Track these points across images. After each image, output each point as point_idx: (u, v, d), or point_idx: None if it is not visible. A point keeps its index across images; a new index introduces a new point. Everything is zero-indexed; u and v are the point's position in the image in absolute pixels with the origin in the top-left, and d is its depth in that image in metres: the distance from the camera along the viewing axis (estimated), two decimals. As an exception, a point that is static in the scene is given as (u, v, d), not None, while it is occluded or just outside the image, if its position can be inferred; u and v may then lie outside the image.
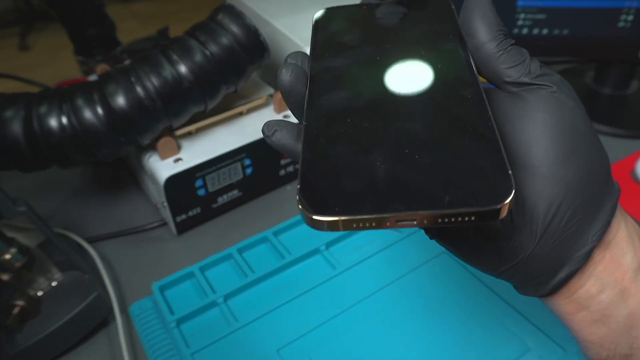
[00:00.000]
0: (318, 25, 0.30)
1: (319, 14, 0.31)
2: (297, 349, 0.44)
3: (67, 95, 0.50)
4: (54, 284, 0.47)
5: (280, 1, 0.68)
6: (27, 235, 0.48)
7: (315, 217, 0.19)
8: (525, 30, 0.70)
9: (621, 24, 0.67)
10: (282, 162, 0.61)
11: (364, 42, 0.28)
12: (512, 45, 0.26)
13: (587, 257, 0.23)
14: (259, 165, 0.59)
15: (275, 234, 0.55)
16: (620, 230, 0.25)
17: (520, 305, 0.46)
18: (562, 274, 0.24)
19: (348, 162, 0.21)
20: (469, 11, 0.27)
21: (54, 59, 2.23)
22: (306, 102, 0.25)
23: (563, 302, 0.25)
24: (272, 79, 0.67)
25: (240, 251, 0.53)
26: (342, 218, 0.19)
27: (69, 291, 0.47)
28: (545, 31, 0.70)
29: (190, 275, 0.51)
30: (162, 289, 0.50)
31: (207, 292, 0.49)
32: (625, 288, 0.24)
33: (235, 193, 0.59)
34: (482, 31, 0.26)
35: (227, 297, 0.49)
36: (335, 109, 0.24)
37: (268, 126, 0.26)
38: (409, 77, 0.26)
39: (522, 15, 0.69)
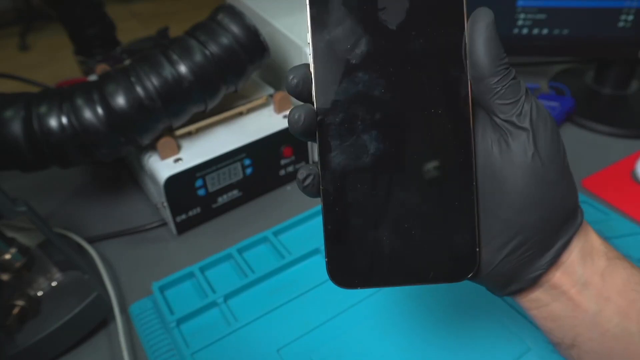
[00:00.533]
0: (313, 14, 0.29)
1: None
2: (297, 349, 0.44)
3: (67, 95, 0.50)
4: (53, 284, 0.47)
5: (280, 1, 0.68)
6: (27, 235, 0.48)
7: (341, 287, 0.28)
8: (525, 30, 0.70)
9: (621, 24, 0.67)
10: (282, 162, 0.61)
11: (364, 52, 0.27)
12: (512, 80, 0.27)
13: (535, 280, 0.29)
14: (259, 165, 0.59)
15: (275, 234, 0.55)
16: (574, 254, 0.29)
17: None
18: (513, 287, 0.30)
19: (361, 240, 0.28)
20: (474, 40, 0.27)
21: (53, 59, 2.23)
22: (319, 160, 0.28)
23: (520, 301, 0.31)
24: (272, 79, 0.67)
25: (240, 251, 0.53)
26: (359, 288, 0.28)
27: (69, 291, 0.47)
28: (545, 31, 0.70)
29: (190, 275, 0.51)
30: (162, 289, 0.50)
31: (207, 292, 0.49)
32: (572, 298, 0.29)
33: (235, 193, 0.59)
34: (485, 64, 0.27)
35: (227, 297, 0.49)
36: (344, 173, 0.28)
37: (302, 173, 0.29)
38: (408, 119, 0.28)
39: (522, 15, 0.69)
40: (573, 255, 0.29)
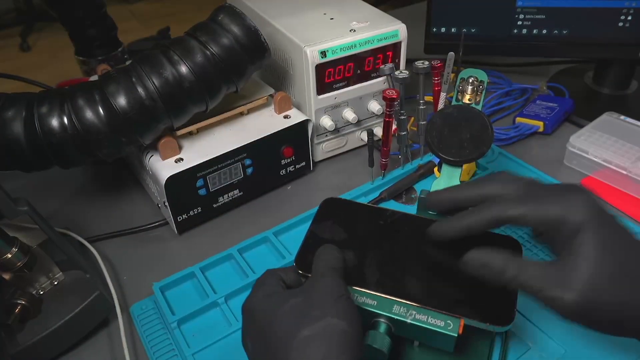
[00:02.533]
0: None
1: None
2: (297, 348, 0.44)
3: (68, 96, 0.50)
4: (55, 283, 0.47)
5: (281, 1, 0.68)
6: (28, 234, 0.49)
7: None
8: (525, 31, 0.70)
9: (621, 24, 0.67)
10: (283, 162, 0.61)
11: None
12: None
13: None
14: (260, 165, 0.59)
15: (276, 234, 0.55)
16: None
17: (521, 305, 0.46)
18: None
19: None
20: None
21: (54, 59, 2.23)
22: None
23: None
24: (272, 79, 0.68)
25: (240, 251, 0.53)
26: None
27: (70, 290, 0.47)
28: (545, 31, 0.70)
29: (191, 275, 0.51)
30: (162, 290, 0.50)
31: (207, 292, 0.49)
32: None
33: (235, 193, 0.59)
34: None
35: (227, 298, 0.49)
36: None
37: None
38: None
39: (521, 16, 0.69)
40: None
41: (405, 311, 0.37)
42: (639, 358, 0.42)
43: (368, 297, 0.38)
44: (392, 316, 0.37)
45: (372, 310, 0.37)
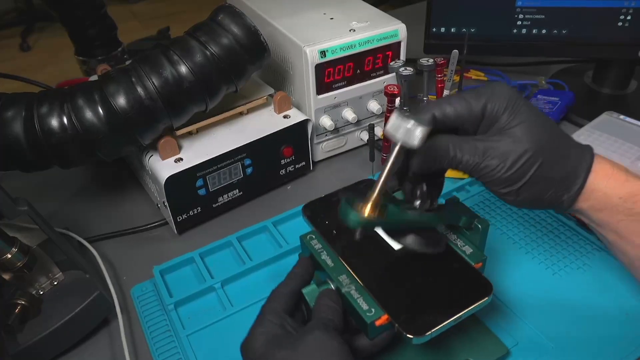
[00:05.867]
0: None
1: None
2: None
3: (68, 96, 0.50)
4: (55, 283, 0.47)
5: (281, 1, 0.68)
6: (28, 234, 0.49)
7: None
8: (524, 30, 0.70)
9: (621, 24, 0.67)
10: (282, 161, 0.61)
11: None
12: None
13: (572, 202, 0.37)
14: (259, 164, 0.59)
15: (275, 223, 0.56)
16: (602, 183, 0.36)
17: (510, 300, 0.46)
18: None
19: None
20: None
21: (55, 59, 2.23)
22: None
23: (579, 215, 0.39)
24: (272, 79, 0.68)
25: (239, 239, 0.54)
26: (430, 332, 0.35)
27: (70, 290, 0.47)
28: (544, 31, 0.70)
29: (190, 260, 0.52)
30: (162, 273, 0.51)
31: (205, 277, 0.50)
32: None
33: (235, 192, 0.59)
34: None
35: (224, 283, 0.50)
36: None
37: None
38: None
39: (521, 16, 0.69)
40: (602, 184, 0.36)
41: (348, 282, 0.38)
42: (624, 353, 0.42)
43: (330, 257, 0.40)
44: (335, 282, 0.38)
45: (326, 269, 0.39)
